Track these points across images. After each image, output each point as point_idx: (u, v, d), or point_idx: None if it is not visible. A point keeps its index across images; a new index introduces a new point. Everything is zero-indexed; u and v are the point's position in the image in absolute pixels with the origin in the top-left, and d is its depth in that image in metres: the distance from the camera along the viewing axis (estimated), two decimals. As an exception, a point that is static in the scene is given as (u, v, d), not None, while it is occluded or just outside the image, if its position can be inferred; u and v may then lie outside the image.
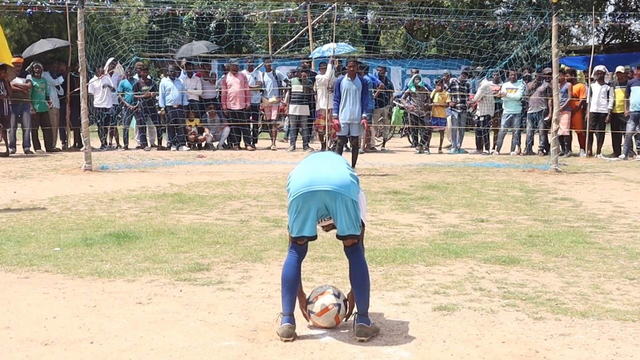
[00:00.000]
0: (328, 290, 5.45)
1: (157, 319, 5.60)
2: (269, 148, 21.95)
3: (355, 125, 14.83)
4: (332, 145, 16.89)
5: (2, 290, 6.38)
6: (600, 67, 19.76)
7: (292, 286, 5.29)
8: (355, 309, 5.29)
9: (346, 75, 14.82)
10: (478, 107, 20.76)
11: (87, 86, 18.65)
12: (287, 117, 22.01)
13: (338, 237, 5.34)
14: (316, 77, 20.68)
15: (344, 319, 5.44)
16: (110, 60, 21.84)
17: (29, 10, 24.19)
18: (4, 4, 24.51)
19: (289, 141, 22.03)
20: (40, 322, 5.51)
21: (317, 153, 5.39)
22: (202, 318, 5.61)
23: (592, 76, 19.85)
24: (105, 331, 5.31)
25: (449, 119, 21.39)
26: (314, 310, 5.35)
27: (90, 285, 6.56)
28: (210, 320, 5.57)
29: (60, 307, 5.91)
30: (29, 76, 19.78)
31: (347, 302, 5.43)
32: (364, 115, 14.81)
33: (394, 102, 22.70)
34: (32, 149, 19.97)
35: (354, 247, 5.35)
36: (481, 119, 20.75)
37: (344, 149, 16.35)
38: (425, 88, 21.43)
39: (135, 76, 22.13)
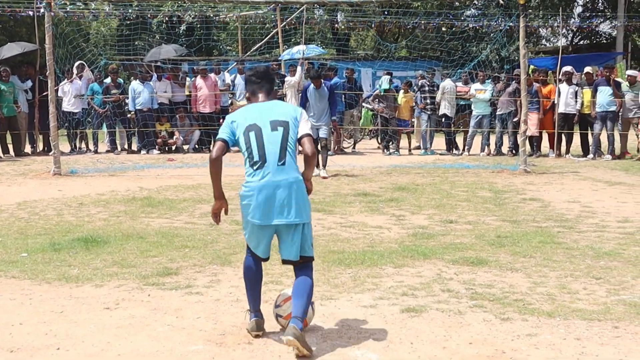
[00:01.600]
0: None
1: (125, 324, 5.58)
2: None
3: (324, 128, 14.92)
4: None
5: (-32, 297, 6.33)
6: (568, 68, 19.88)
7: (254, 284, 5.53)
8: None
9: (312, 84, 14.95)
10: (440, 106, 20.74)
11: (57, 90, 18.60)
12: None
13: (285, 262, 5.49)
14: (285, 79, 20.69)
15: (311, 321, 5.45)
16: (77, 63, 21.66)
17: None
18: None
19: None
20: (6, 329, 5.48)
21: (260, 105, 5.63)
22: (170, 323, 5.60)
23: (560, 77, 19.98)
24: (72, 337, 5.29)
25: (418, 120, 21.43)
26: (282, 314, 5.37)
27: (58, 290, 6.53)
28: (178, 324, 5.56)
29: (27, 313, 5.88)
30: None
31: (314, 306, 5.44)
32: (333, 118, 14.92)
33: (363, 103, 22.72)
34: (0, 153, 19.81)
35: (307, 264, 5.45)
36: (442, 119, 20.73)
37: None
38: (395, 90, 21.45)
39: (107, 79, 21.98)
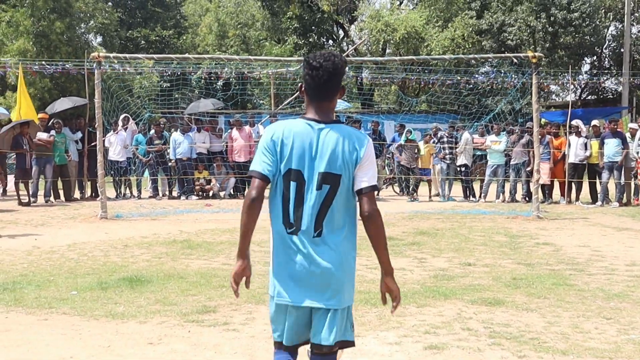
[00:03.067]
0: None
1: (167, 358, 5.59)
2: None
3: None
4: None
5: (22, 332, 6.37)
6: (577, 121, 19.88)
7: None
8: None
9: None
10: (458, 157, 20.81)
11: (104, 140, 18.79)
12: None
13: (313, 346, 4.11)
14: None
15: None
16: (122, 116, 21.89)
17: (52, 70, 24.50)
18: (32, 67, 24.82)
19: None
20: (58, 362, 5.50)
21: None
22: (209, 357, 5.60)
23: (570, 129, 19.96)
24: (119, 370, 5.29)
25: (437, 168, 21.47)
26: (313, 350, 5.33)
27: (105, 326, 6.55)
28: (216, 359, 5.55)
29: (77, 347, 5.90)
30: (52, 131, 19.87)
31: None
32: None
33: (387, 154, 22.79)
34: (52, 198, 20.00)
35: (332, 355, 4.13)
36: (462, 168, 20.78)
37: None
38: (415, 141, 21.52)
39: (151, 131, 22.24)
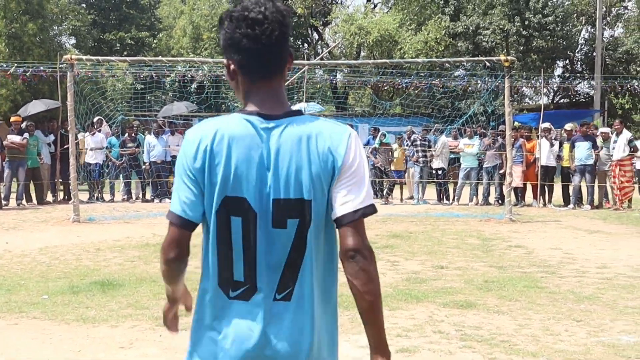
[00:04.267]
0: None
1: (138, 362, 5.57)
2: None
3: None
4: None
5: (-8, 337, 6.32)
6: (546, 125, 20.04)
7: None
8: None
9: None
10: (434, 160, 20.91)
11: (84, 140, 18.75)
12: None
13: None
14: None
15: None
16: (96, 119, 21.75)
17: (24, 73, 24.33)
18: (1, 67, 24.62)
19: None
20: (27, 367, 5.46)
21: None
22: (180, 361, 5.58)
23: (540, 133, 20.10)
24: (89, 375, 5.27)
25: (411, 171, 21.54)
26: None
27: (76, 330, 6.51)
28: (188, 363, 5.53)
29: (47, 352, 5.86)
30: (25, 134, 19.70)
31: None
32: None
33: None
34: (24, 201, 19.84)
35: None
36: (439, 171, 20.89)
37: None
38: (389, 144, 21.59)
39: (125, 134, 22.17)
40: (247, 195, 2.40)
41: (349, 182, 2.42)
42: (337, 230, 2.47)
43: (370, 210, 2.48)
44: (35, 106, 23.03)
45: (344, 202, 2.41)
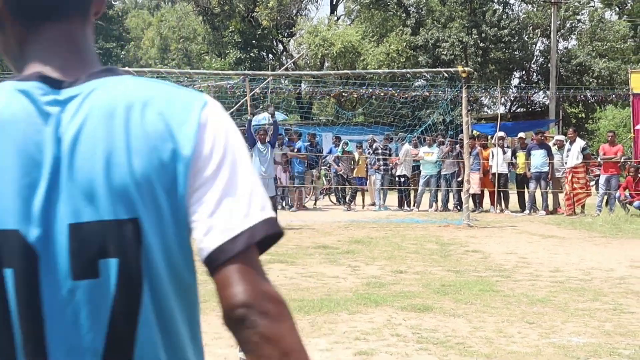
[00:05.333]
0: None
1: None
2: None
3: (269, 185, 15.15)
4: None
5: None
6: (501, 133, 20.24)
7: None
8: None
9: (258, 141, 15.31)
10: (398, 167, 21.01)
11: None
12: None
13: None
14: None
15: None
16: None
17: None
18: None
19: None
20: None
21: None
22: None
23: (494, 141, 20.28)
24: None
25: (373, 178, 21.61)
26: (245, 358, 5.31)
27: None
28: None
29: None
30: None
31: None
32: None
33: (322, 165, 22.95)
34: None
35: None
36: (402, 178, 20.99)
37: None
38: (352, 152, 21.65)
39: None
40: (18, 224, 1.23)
41: (212, 188, 1.29)
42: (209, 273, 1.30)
43: (267, 229, 1.33)
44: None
45: (210, 228, 1.28)
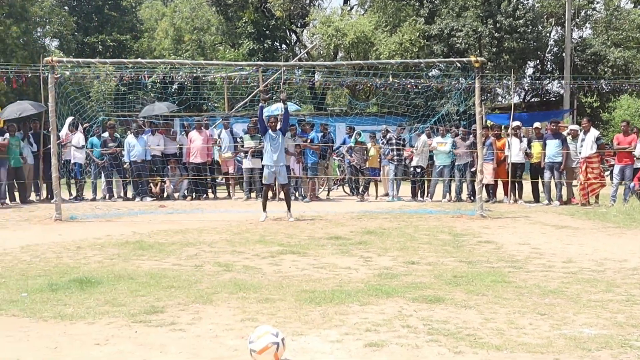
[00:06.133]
0: (267, 330, 5.44)
1: (113, 359, 5.54)
2: (226, 197, 21.97)
3: (281, 172, 15.31)
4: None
5: (-30, 334, 6.27)
6: (517, 123, 20.14)
7: None
8: None
9: (269, 128, 15.33)
10: (414, 158, 20.98)
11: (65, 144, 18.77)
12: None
13: None
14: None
15: (282, 355, 5.42)
16: (70, 119, 21.48)
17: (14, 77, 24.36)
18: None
19: (244, 191, 21.91)
20: (3, 364, 5.43)
21: None
22: (154, 357, 5.55)
23: (510, 131, 20.20)
24: (64, 371, 5.24)
25: (386, 169, 21.60)
26: (255, 349, 5.34)
27: (53, 327, 6.47)
28: (162, 359, 5.52)
29: (24, 349, 5.81)
30: (6, 135, 19.58)
31: (284, 341, 5.42)
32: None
33: (336, 156, 22.94)
34: (7, 201, 19.72)
35: None
36: (418, 169, 20.95)
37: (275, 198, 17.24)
38: (365, 143, 21.61)
39: (105, 134, 22.09)
40: None
41: None
42: None
43: None
44: (25, 108, 22.87)
45: None
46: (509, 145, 19.78)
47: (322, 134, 21.99)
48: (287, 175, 16.15)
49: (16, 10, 37.20)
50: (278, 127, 15.62)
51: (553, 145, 19.06)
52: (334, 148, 23.11)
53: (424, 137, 21.28)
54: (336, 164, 23.58)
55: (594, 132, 18.74)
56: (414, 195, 21.20)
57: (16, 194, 20.31)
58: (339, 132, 30.35)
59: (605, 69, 37.16)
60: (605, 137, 32.21)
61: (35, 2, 40.45)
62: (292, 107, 26.05)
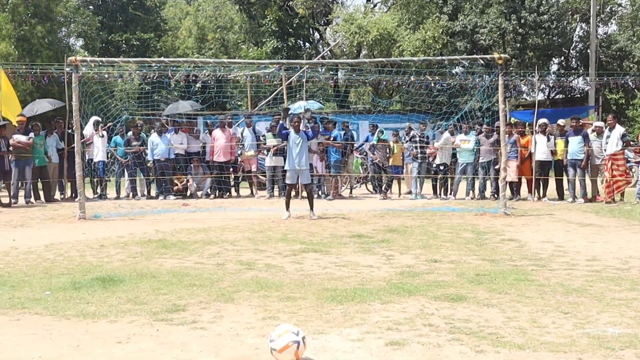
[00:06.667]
0: (288, 329, 5.44)
1: (134, 357, 5.56)
2: (248, 196, 22.01)
3: (304, 173, 15.32)
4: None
5: (-6, 332, 6.32)
6: (544, 120, 20.00)
7: None
8: None
9: (292, 130, 15.39)
10: (437, 155, 20.89)
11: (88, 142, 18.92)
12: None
13: None
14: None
15: (302, 354, 5.42)
16: (93, 119, 21.59)
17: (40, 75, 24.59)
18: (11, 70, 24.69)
19: (267, 190, 21.92)
20: (26, 362, 5.46)
21: None
22: (175, 356, 5.56)
23: (537, 128, 20.06)
24: (85, 369, 5.26)
25: (409, 167, 21.55)
26: (276, 347, 5.34)
27: (76, 326, 6.50)
28: (183, 357, 5.53)
29: (47, 347, 5.85)
30: (31, 134, 19.74)
31: (305, 339, 5.41)
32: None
33: (358, 154, 22.92)
34: (32, 199, 19.87)
35: None
36: (441, 167, 20.87)
37: (298, 196, 18.32)
38: (387, 141, 21.55)
39: (129, 132, 22.20)
40: None
41: None
42: None
43: None
44: (42, 106, 23.09)
45: None
46: (535, 142, 19.66)
47: (344, 131, 21.95)
48: (310, 175, 16.16)
49: (41, 10, 37.43)
50: (301, 127, 15.65)
51: (575, 142, 18.93)
52: (357, 146, 23.08)
53: (446, 134, 21.19)
54: (359, 161, 23.51)
55: (619, 129, 18.57)
56: (435, 192, 21.12)
57: (41, 192, 20.44)
58: (362, 130, 30.31)
59: (631, 65, 36.84)
60: (631, 134, 31.92)
61: (60, 2, 40.67)
62: (315, 105, 26.05)
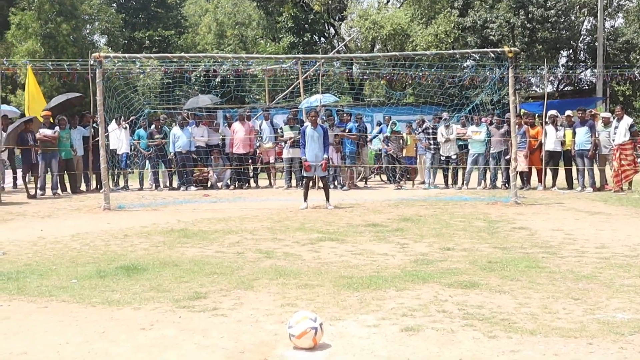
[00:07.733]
0: (306, 315, 5.41)
1: (157, 343, 5.55)
2: (267, 186, 22.02)
3: (320, 167, 15.29)
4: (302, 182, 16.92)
5: (22, 319, 6.33)
6: (553, 112, 19.88)
7: None
8: None
9: (309, 124, 15.29)
10: (442, 148, 20.76)
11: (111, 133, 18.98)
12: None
13: None
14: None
15: (320, 340, 5.39)
16: (117, 116, 21.67)
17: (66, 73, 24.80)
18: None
19: (285, 180, 21.92)
20: (54, 348, 5.46)
21: None
22: (196, 342, 5.55)
23: (547, 119, 19.94)
24: (110, 355, 5.26)
25: (423, 158, 21.48)
26: (294, 333, 5.31)
27: (101, 313, 6.51)
28: (204, 343, 5.51)
29: (73, 333, 5.85)
30: (56, 128, 19.81)
31: (322, 326, 5.38)
32: (324, 156, 15.23)
33: (370, 145, 22.94)
34: (59, 191, 19.95)
35: None
36: (453, 156, 20.75)
37: (315, 187, 17.95)
38: (400, 132, 21.46)
39: (151, 126, 22.26)
40: None
41: None
42: None
43: None
44: (59, 99, 23.33)
45: None
46: (545, 133, 19.55)
47: (357, 123, 21.89)
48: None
49: (66, 8, 37.56)
50: (319, 121, 15.61)
51: (582, 132, 18.82)
52: (370, 138, 23.02)
53: (453, 126, 21.02)
54: (372, 152, 23.44)
55: (627, 120, 18.41)
56: (447, 183, 21.02)
57: (67, 184, 20.52)
58: (376, 122, 30.23)
59: (638, 57, 36.57)
60: (639, 124, 31.71)
61: (84, 1, 40.81)
62: (330, 98, 25.98)
